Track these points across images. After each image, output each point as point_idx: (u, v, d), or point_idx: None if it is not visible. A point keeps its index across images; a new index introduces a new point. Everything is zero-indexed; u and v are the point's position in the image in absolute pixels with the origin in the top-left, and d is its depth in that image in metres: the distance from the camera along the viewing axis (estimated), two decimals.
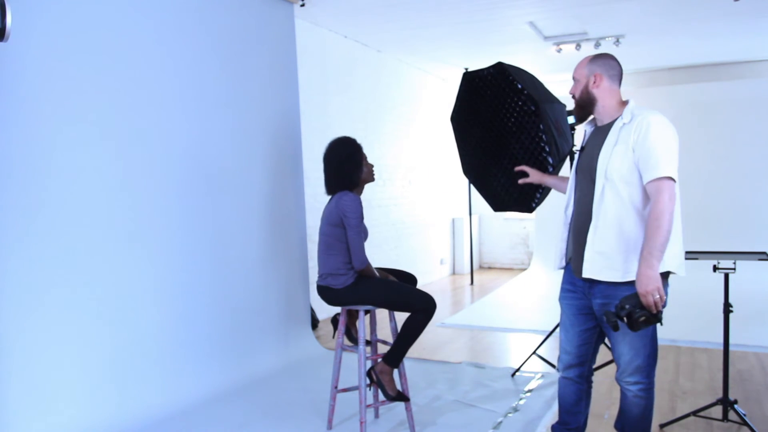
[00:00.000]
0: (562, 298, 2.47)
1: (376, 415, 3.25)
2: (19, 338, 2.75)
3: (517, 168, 2.88)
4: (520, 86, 2.98)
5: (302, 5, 4.83)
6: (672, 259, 2.15)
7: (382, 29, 6.00)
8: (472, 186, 3.93)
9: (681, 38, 6.46)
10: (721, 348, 2.98)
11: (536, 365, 4.04)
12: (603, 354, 3.62)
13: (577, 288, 2.37)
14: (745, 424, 2.82)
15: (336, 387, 3.06)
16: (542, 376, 3.83)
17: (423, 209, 8.00)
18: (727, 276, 2.80)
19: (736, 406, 2.86)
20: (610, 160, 2.19)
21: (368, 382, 2.93)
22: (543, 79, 4.35)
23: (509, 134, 3.09)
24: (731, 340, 3.04)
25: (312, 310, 4.95)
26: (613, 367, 2.70)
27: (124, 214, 3.21)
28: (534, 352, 3.95)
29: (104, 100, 3.12)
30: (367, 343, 3.03)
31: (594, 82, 2.29)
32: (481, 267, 9.52)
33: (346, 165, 2.97)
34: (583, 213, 2.31)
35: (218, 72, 3.83)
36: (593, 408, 3.22)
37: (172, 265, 3.47)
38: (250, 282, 4.01)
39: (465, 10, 5.36)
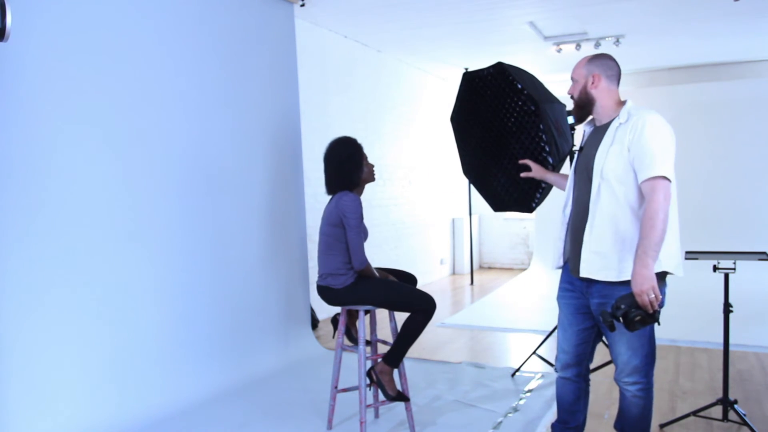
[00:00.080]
0: (560, 298, 2.47)
1: (376, 415, 3.25)
2: (19, 338, 2.75)
3: (521, 161, 2.89)
4: (520, 86, 2.98)
5: (302, 5, 4.83)
6: (668, 259, 2.15)
7: (382, 29, 6.00)
8: (472, 186, 3.93)
9: (681, 38, 6.46)
10: (721, 348, 2.98)
11: (536, 365, 4.04)
12: (603, 354, 3.63)
13: (575, 287, 2.38)
14: (745, 424, 2.82)
15: (336, 387, 3.06)
16: (542, 376, 3.83)
17: (423, 209, 8.00)
18: (727, 276, 2.80)
19: (736, 406, 2.86)
20: (606, 160, 2.20)
21: (368, 382, 2.93)
22: (543, 79, 4.35)
23: (509, 134, 3.09)
24: (731, 340, 3.04)
25: (312, 310, 4.95)
26: (612, 366, 2.70)
27: (124, 214, 3.21)
28: (534, 352, 3.95)
29: (104, 100, 3.12)
30: (367, 343, 3.03)
31: (592, 83, 2.30)
32: (481, 267, 9.52)
33: (347, 165, 2.97)
34: (580, 212, 2.31)
35: (218, 72, 3.83)
36: (593, 408, 3.22)
37: (172, 265, 3.47)
38: (250, 282, 4.01)
39: (465, 10, 5.36)
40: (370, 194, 6.42)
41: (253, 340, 3.99)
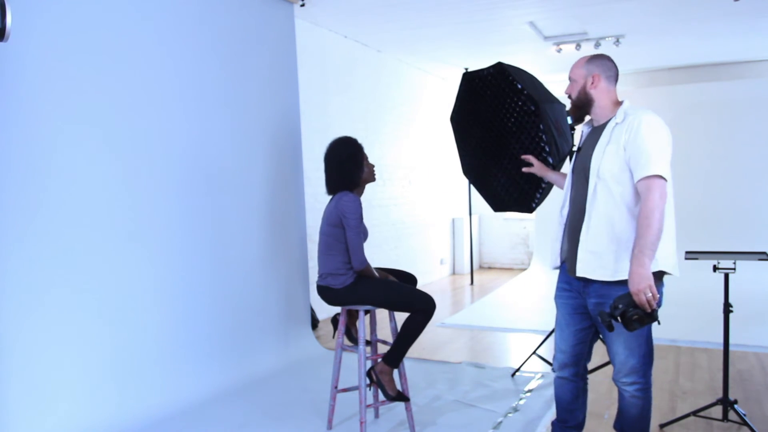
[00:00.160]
0: (557, 298, 2.48)
1: (376, 415, 3.25)
2: (19, 338, 2.75)
3: (523, 156, 2.88)
4: (520, 86, 2.99)
5: (302, 5, 4.83)
6: (665, 258, 2.15)
7: (382, 29, 6.00)
8: (472, 186, 3.93)
9: (681, 38, 6.46)
10: (721, 348, 2.98)
11: (536, 365, 4.04)
12: (602, 354, 3.62)
13: (573, 287, 2.38)
14: (745, 424, 2.82)
15: (336, 387, 3.06)
16: (542, 376, 3.83)
17: (423, 209, 8.00)
18: (727, 276, 2.80)
19: (736, 406, 2.86)
20: (603, 160, 2.21)
21: (368, 382, 2.93)
22: (543, 79, 4.35)
23: (509, 134, 3.09)
24: (731, 340, 3.04)
25: (312, 310, 4.95)
26: (612, 366, 2.71)
27: (124, 214, 3.21)
28: (534, 352, 3.95)
29: (104, 100, 3.12)
30: (367, 343, 3.03)
31: (592, 83, 2.30)
32: (481, 267, 9.52)
33: (347, 165, 2.97)
34: (577, 212, 2.32)
35: (218, 72, 3.83)
36: (593, 408, 3.22)
37: (172, 265, 3.47)
38: (250, 282, 4.01)
39: (465, 10, 5.36)
40: (370, 194, 6.42)
41: (253, 340, 3.99)
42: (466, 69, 7.74)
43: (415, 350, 4.46)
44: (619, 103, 2.31)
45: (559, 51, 6.67)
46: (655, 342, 4.24)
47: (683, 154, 7.19)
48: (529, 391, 3.60)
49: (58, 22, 2.91)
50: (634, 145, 2.13)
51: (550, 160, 2.92)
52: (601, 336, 2.54)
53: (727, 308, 2.83)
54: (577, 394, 2.50)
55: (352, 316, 3.14)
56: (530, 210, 3.16)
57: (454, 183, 8.91)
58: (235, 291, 3.88)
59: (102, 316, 3.08)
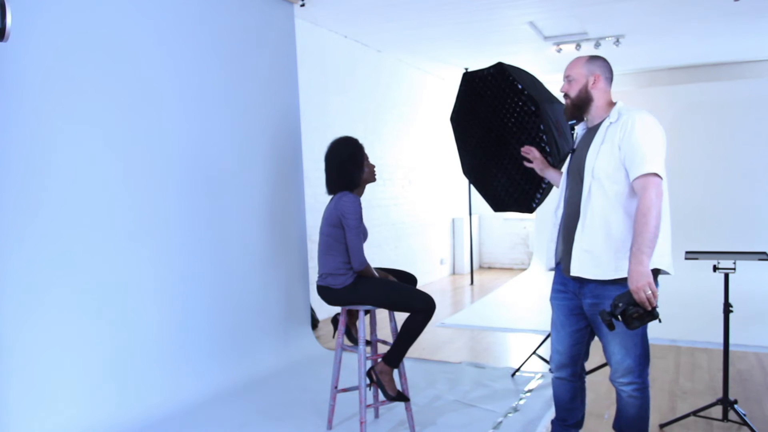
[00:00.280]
0: (553, 299, 2.48)
1: (376, 415, 3.25)
2: (19, 338, 2.75)
3: (525, 147, 2.88)
4: (520, 86, 2.99)
5: (302, 5, 4.83)
6: (660, 257, 2.15)
7: (382, 29, 6.00)
8: (472, 186, 3.93)
9: (681, 38, 6.46)
10: (721, 348, 2.98)
11: (536, 365, 4.04)
12: (602, 354, 3.62)
13: (568, 288, 2.39)
14: (745, 424, 2.82)
15: (336, 387, 3.06)
16: (542, 376, 3.83)
17: (423, 209, 8.00)
18: (727, 276, 2.80)
19: (736, 406, 2.86)
20: (597, 159, 2.22)
21: (368, 382, 2.93)
22: (543, 79, 4.35)
23: (509, 134, 3.09)
24: (731, 340, 3.04)
25: (312, 310, 4.95)
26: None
27: (124, 214, 3.21)
28: (534, 352, 3.95)
29: (104, 100, 3.12)
30: (367, 343, 3.03)
31: (593, 82, 2.32)
32: (481, 267, 9.52)
33: (348, 165, 2.97)
34: (572, 213, 2.32)
35: (218, 72, 3.83)
36: (593, 408, 3.22)
37: (172, 265, 3.47)
38: (250, 282, 4.01)
39: (465, 10, 5.36)
40: (370, 194, 6.43)
41: (253, 340, 3.99)
42: (466, 69, 7.74)
43: (415, 350, 4.46)
44: (612, 104, 2.33)
45: (559, 51, 6.67)
46: (655, 342, 4.24)
47: (683, 154, 7.21)
48: (529, 391, 3.60)
49: (58, 22, 2.91)
50: (629, 143, 2.14)
51: (551, 160, 2.92)
52: (597, 336, 2.54)
53: (727, 308, 2.83)
54: (575, 393, 2.50)
55: (352, 316, 3.14)
56: (531, 210, 3.16)
57: (454, 183, 8.92)
58: (235, 291, 3.88)
59: (102, 316, 3.08)
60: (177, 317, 3.48)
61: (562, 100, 2.49)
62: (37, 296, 2.82)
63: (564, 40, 6.43)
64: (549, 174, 2.81)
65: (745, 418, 2.83)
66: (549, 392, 3.53)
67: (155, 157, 3.40)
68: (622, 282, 2.19)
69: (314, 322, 5.16)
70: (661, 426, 2.99)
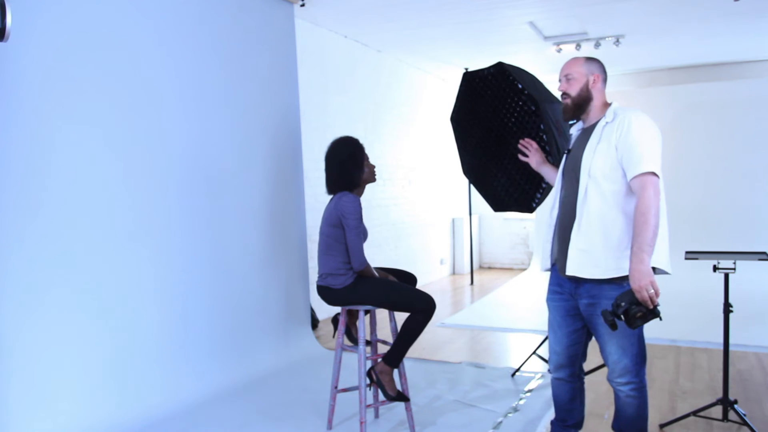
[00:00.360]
0: (549, 300, 2.48)
1: (376, 415, 3.25)
2: (19, 338, 2.75)
3: (524, 140, 2.87)
4: (520, 86, 2.98)
5: (302, 5, 4.83)
6: (657, 255, 2.15)
7: (382, 29, 6.00)
8: (472, 186, 3.93)
9: (681, 38, 6.46)
10: (721, 348, 2.98)
11: (536, 365, 4.04)
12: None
13: (564, 289, 2.39)
14: (745, 424, 2.82)
15: (336, 387, 3.06)
16: (542, 376, 3.83)
17: (423, 209, 8.00)
18: (727, 276, 2.80)
19: (736, 406, 2.86)
20: (594, 159, 2.22)
21: (368, 382, 2.93)
22: (543, 79, 4.34)
23: (509, 134, 3.09)
24: (731, 340, 3.04)
25: (312, 310, 4.95)
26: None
27: (124, 214, 3.21)
28: (534, 352, 3.95)
29: (104, 100, 3.12)
30: (367, 343, 3.03)
31: (594, 82, 2.34)
32: (481, 267, 9.52)
33: (348, 165, 2.97)
34: (567, 213, 2.33)
35: (218, 72, 3.83)
36: (594, 408, 3.22)
37: (172, 265, 3.47)
38: (250, 282, 4.01)
39: (465, 10, 5.36)
40: (370, 194, 6.43)
41: (253, 340, 3.99)
42: (466, 69, 7.74)
43: (415, 350, 4.46)
44: (607, 105, 2.34)
45: (559, 51, 6.67)
46: (655, 342, 4.24)
47: (683, 154, 7.20)
48: (529, 391, 3.60)
49: (58, 22, 2.91)
50: (626, 143, 2.16)
51: (551, 160, 2.92)
52: (594, 336, 2.54)
53: (727, 308, 2.83)
54: (574, 394, 2.50)
55: (352, 316, 3.14)
56: (530, 210, 3.15)
57: (454, 183, 8.92)
58: (235, 291, 3.88)
59: (102, 316, 3.08)
60: (177, 317, 3.48)
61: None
62: (37, 296, 2.82)
63: (564, 40, 6.43)
64: (545, 169, 2.80)
65: (745, 418, 2.83)
66: (549, 392, 3.53)
67: (155, 157, 3.40)
68: (618, 281, 2.19)
69: (314, 322, 5.16)
70: (661, 426, 2.99)
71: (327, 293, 2.96)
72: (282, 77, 4.41)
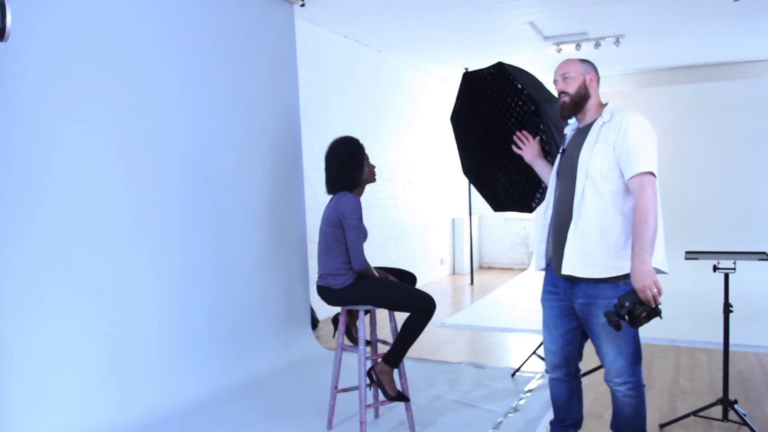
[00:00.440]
0: (544, 300, 2.48)
1: (376, 415, 3.25)
2: (19, 338, 2.75)
3: (520, 132, 2.86)
4: (520, 86, 2.98)
5: (302, 5, 4.83)
6: (653, 255, 2.15)
7: (382, 29, 6.00)
8: (472, 186, 3.93)
9: (681, 38, 6.46)
10: (721, 348, 2.98)
11: (536, 365, 4.04)
12: None
13: (559, 289, 2.39)
14: (745, 424, 2.82)
15: (336, 387, 3.06)
16: (542, 376, 3.83)
17: (423, 209, 8.00)
18: (727, 276, 2.80)
19: (736, 406, 2.86)
20: (591, 159, 2.23)
21: (368, 382, 2.93)
22: (543, 79, 4.34)
23: (509, 134, 3.09)
24: (731, 340, 3.04)
25: (312, 310, 4.95)
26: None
27: (124, 214, 3.21)
28: (534, 352, 3.95)
29: (104, 100, 3.13)
30: (367, 343, 3.03)
31: (591, 80, 2.36)
32: (481, 267, 9.52)
33: (348, 165, 2.97)
34: (563, 213, 2.33)
35: (218, 72, 3.83)
36: (594, 408, 3.22)
37: (172, 265, 3.47)
38: (250, 282, 4.01)
39: (465, 10, 5.36)
40: (370, 194, 6.43)
41: (253, 340, 3.99)
42: (466, 69, 7.74)
43: (415, 350, 4.46)
44: (603, 105, 2.36)
45: (559, 51, 6.67)
46: (655, 342, 4.24)
47: (683, 154, 7.20)
48: (529, 391, 3.60)
49: (58, 22, 2.91)
50: (624, 143, 2.16)
51: (550, 159, 2.92)
52: (589, 337, 2.54)
53: (727, 308, 2.83)
54: (571, 394, 2.51)
55: (352, 316, 3.14)
56: (530, 210, 3.16)
57: (454, 183, 8.92)
58: (235, 291, 3.88)
59: (102, 316, 3.08)
60: (177, 317, 3.48)
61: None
62: (37, 296, 2.82)
63: (564, 40, 6.43)
64: (538, 164, 2.80)
65: (745, 418, 2.83)
66: (548, 392, 3.52)
67: (155, 157, 3.40)
68: (614, 281, 2.19)
69: (314, 322, 5.16)
70: (661, 426, 2.99)
71: (327, 293, 2.96)
72: (282, 77, 4.41)
